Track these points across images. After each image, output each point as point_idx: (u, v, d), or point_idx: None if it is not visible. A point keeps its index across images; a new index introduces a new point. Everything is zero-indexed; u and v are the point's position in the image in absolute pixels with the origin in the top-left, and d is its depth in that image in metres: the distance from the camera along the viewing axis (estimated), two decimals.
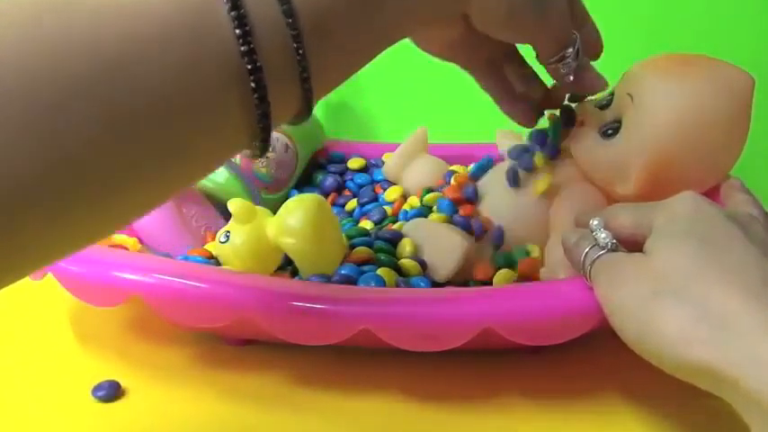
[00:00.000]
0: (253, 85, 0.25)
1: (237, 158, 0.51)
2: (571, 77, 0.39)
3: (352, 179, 0.56)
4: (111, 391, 0.36)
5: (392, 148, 0.54)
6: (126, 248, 0.44)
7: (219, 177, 0.50)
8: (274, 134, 0.52)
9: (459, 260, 0.40)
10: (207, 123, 0.25)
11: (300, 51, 0.27)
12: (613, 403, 0.36)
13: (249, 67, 0.25)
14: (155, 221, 0.45)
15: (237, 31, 0.25)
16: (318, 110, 0.59)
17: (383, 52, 0.32)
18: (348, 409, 0.36)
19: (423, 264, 0.40)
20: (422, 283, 0.38)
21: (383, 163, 0.55)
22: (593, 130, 0.42)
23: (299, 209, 0.39)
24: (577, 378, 0.38)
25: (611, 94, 0.42)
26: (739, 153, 0.39)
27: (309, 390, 0.37)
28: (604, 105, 0.42)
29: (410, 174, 0.52)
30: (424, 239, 0.41)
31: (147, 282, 0.35)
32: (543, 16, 0.36)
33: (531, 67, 0.44)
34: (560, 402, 0.36)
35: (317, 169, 0.57)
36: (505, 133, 0.53)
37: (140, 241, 0.45)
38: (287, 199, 0.53)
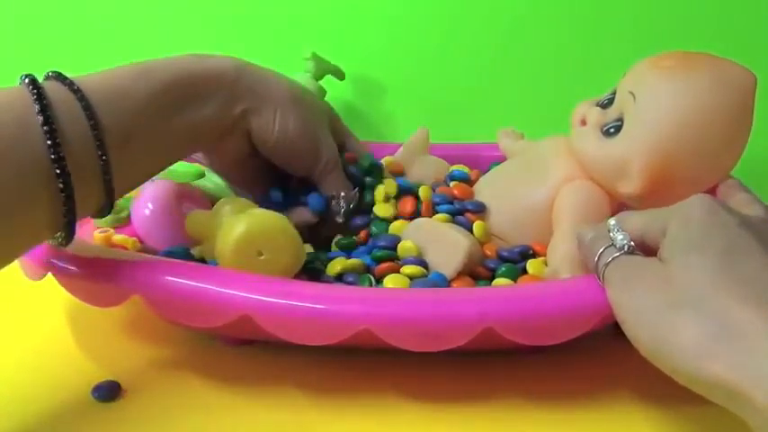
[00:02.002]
0: (61, 186, 0.30)
1: None
2: (341, 220, 0.44)
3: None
4: (110, 391, 0.36)
5: (394, 148, 0.54)
6: (126, 248, 0.44)
7: (219, 178, 0.50)
8: None
9: (462, 260, 0.39)
10: (21, 218, 0.30)
11: (104, 158, 0.32)
12: (613, 403, 0.36)
13: (58, 171, 0.30)
14: (154, 221, 0.45)
15: (49, 142, 0.30)
16: None
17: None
18: (348, 409, 0.36)
19: (425, 265, 0.40)
20: (438, 279, 0.38)
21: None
22: (595, 128, 0.41)
23: (228, 234, 0.37)
24: (577, 378, 0.38)
25: (613, 92, 0.42)
26: (742, 151, 0.39)
27: (309, 390, 0.37)
28: (606, 104, 0.42)
29: (411, 174, 0.52)
30: (427, 240, 0.41)
31: (147, 282, 0.35)
32: (312, 149, 0.43)
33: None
34: (560, 402, 0.36)
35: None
36: (507, 133, 0.53)
37: (140, 241, 0.45)
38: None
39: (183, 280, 0.34)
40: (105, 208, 0.35)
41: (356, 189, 0.45)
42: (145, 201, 0.45)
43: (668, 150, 0.38)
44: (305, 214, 0.44)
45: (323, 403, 0.36)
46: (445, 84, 0.65)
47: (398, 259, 0.41)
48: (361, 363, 0.38)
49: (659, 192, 0.40)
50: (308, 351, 0.35)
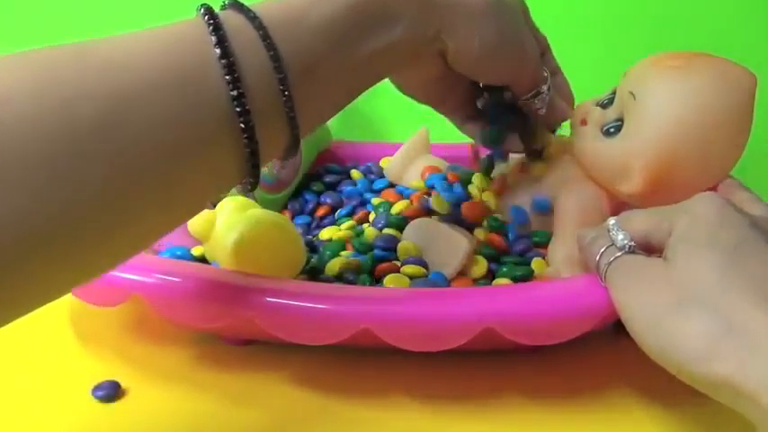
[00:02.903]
0: (242, 125, 0.27)
1: None
2: (543, 110, 0.42)
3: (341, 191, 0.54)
4: (111, 391, 0.36)
5: (394, 148, 0.54)
6: None
7: None
8: None
9: (462, 260, 0.39)
10: (202, 162, 0.27)
11: (286, 93, 0.29)
12: (613, 403, 0.36)
13: (238, 110, 0.27)
14: None
15: (227, 77, 0.27)
16: None
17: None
18: (348, 409, 0.36)
19: (424, 265, 0.40)
20: (439, 278, 0.38)
21: (381, 168, 0.55)
22: (596, 128, 0.41)
23: (225, 240, 0.37)
24: (577, 378, 0.38)
25: (614, 92, 0.42)
26: (742, 151, 0.39)
27: (310, 390, 0.37)
28: (606, 104, 0.42)
29: (412, 174, 0.52)
30: (426, 240, 0.41)
31: (147, 282, 0.35)
32: (518, 58, 0.39)
33: (509, 105, 0.44)
34: (560, 402, 0.36)
35: (315, 181, 0.56)
36: None
37: None
38: (287, 199, 0.53)
39: (183, 280, 0.34)
40: (292, 148, 0.31)
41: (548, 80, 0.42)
42: None
43: (668, 150, 0.38)
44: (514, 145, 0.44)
45: (323, 403, 0.36)
46: None
47: (398, 259, 0.41)
48: (362, 363, 0.38)
49: (659, 191, 0.40)
50: (309, 351, 0.35)
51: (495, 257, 0.41)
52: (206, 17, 0.28)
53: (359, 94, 0.35)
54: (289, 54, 0.29)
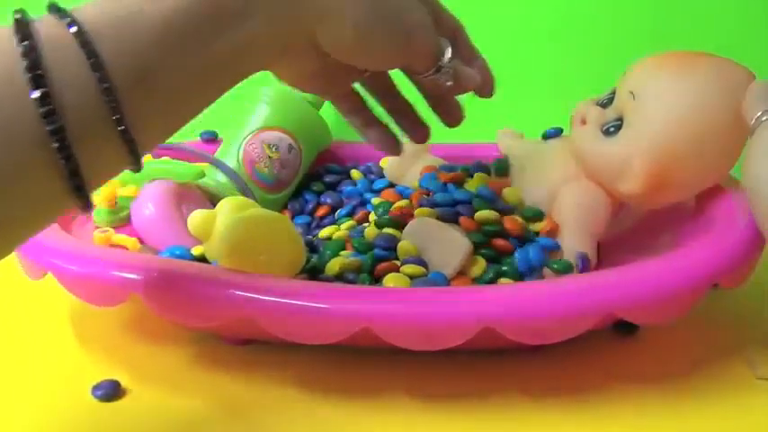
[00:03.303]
0: (56, 145, 0.24)
1: (235, 160, 0.51)
2: (450, 82, 0.37)
3: (341, 190, 0.54)
4: (110, 391, 0.36)
5: None
6: (126, 248, 0.44)
7: (221, 176, 0.50)
8: (278, 134, 0.52)
9: (462, 259, 0.39)
10: (20, 190, 0.25)
11: (113, 105, 0.25)
12: (613, 402, 0.36)
13: (49, 129, 0.24)
14: (154, 221, 0.45)
15: (36, 92, 0.24)
16: (324, 111, 0.59)
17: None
18: (348, 409, 0.36)
19: (424, 265, 0.40)
20: (439, 278, 0.38)
21: (380, 168, 0.55)
22: (595, 127, 0.41)
23: (226, 239, 0.37)
24: (577, 377, 0.38)
25: (613, 92, 0.42)
26: (741, 149, 0.39)
27: (309, 390, 0.37)
28: (606, 103, 0.42)
29: (412, 174, 0.52)
30: (426, 240, 0.41)
31: (148, 281, 0.35)
32: (401, 37, 0.34)
33: (400, 95, 0.41)
34: (560, 402, 0.36)
35: (315, 181, 0.56)
36: (506, 133, 0.53)
37: (140, 241, 0.45)
38: (287, 199, 0.53)
39: (183, 280, 0.34)
40: (134, 164, 0.28)
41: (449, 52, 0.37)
42: (145, 201, 0.45)
43: (668, 149, 0.38)
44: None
45: (323, 403, 0.36)
46: None
47: (398, 259, 0.41)
48: (362, 362, 0.38)
49: (659, 191, 0.40)
50: (309, 351, 0.35)
51: (496, 258, 0.41)
52: (16, 27, 0.25)
53: (220, 96, 0.31)
54: (115, 61, 0.26)
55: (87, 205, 0.26)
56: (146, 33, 0.26)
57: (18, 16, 0.25)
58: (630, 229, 0.47)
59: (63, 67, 0.25)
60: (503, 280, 0.40)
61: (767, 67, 0.41)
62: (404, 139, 0.53)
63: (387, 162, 0.54)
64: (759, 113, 0.34)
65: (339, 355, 0.38)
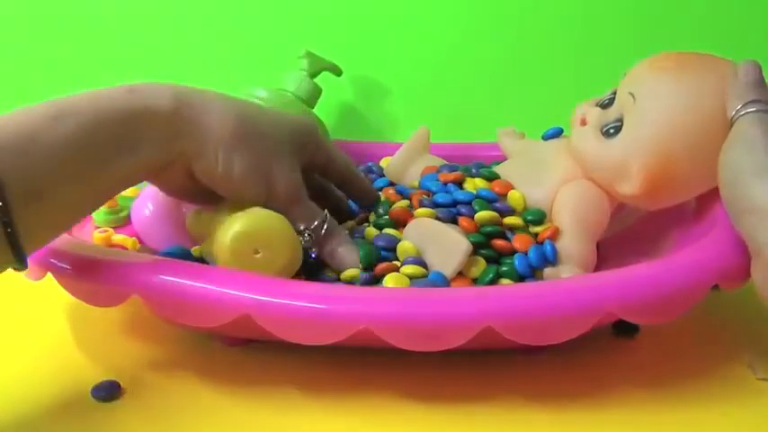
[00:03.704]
0: None
1: None
2: (314, 253, 0.40)
3: None
4: (110, 391, 0.36)
5: (394, 148, 0.54)
6: (126, 248, 0.44)
7: None
8: None
9: (462, 260, 0.39)
10: None
11: (6, 220, 0.27)
12: (613, 402, 0.36)
13: None
14: (154, 221, 0.45)
15: None
16: (321, 111, 0.59)
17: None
18: (348, 409, 0.36)
19: (424, 265, 0.40)
20: (438, 278, 0.38)
21: (380, 168, 0.55)
22: (595, 128, 0.41)
23: (224, 233, 0.37)
24: (577, 378, 0.38)
25: (614, 92, 0.42)
26: None
27: (309, 390, 0.37)
28: (606, 104, 0.42)
29: (412, 174, 0.52)
30: (426, 240, 0.41)
31: (147, 282, 0.35)
32: (262, 192, 0.38)
33: (336, 173, 0.45)
34: (560, 402, 0.36)
35: None
36: (507, 132, 0.53)
37: (140, 241, 0.45)
38: None
39: (183, 280, 0.34)
40: (18, 268, 0.31)
41: (325, 212, 0.40)
42: (145, 201, 0.45)
43: (667, 151, 0.38)
44: None
45: (323, 403, 0.36)
46: (446, 84, 0.65)
47: (398, 259, 0.41)
48: (362, 363, 0.38)
49: (658, 192, 0.40)
50: (308, 351, 0.35)
51: (496, 259, 0.41)
52: None
53: (98, 207, 0.35)
54: (13, 179, 0.27)
55: None
56: (45, 157, 0.29)
57: None
58: (631, 230, 0.47)
59: None
60: (503, 280, 0.40)
61: (767, 67, 0.41)
62: (405, 139, 0.54)
63: (387, 162, 0.54)
64: (737, 108, 0.35)
65: (339, 356, 0.38)
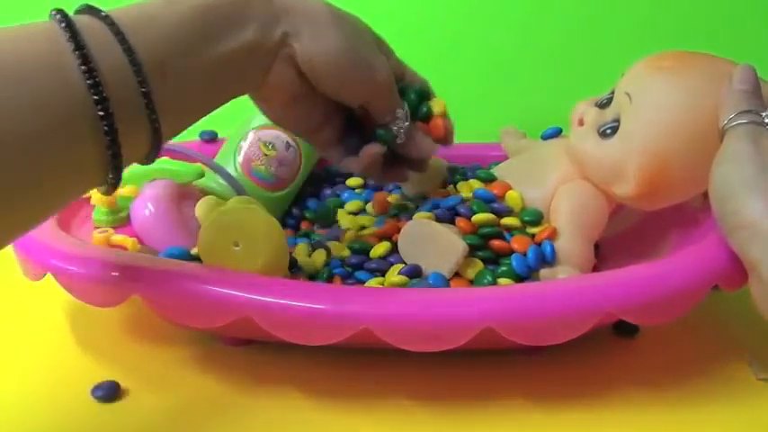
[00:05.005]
0: (101, 113, 0.28)
1: (233, 161, 0.51)
2: (401, 139, 0.41)
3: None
4: (110, 392, 0.36)
5: None
6: (125, 248, 0.44)
7: (220, 179, 0.50)
8: (274, 132, 0.52)
9: (458, 261, 0.39)
10: (61, 156, 0.28)
11: (144, 86, 0.30)
12: (613, 403, 0.36)
13: (96, 98, 0.28)
14: (154, 221, 0.45)
15: (83, 66, 0.28)
16: None
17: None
18: (348, 409, 0.36)
19: (417, 269, 0.40)
20: (438, 280, 0.38)
21: None
22: (592, 129, 0.41)
23: (204, 223, 0.38)
24: (577, 378, 0.38)
25: (612, 92, 0.42)
26: None
27: (309, 390, 0.37)
28: (605, 104, 0.42)
29: (411, 173, 0.52)
30: (422, 241, 0.41)
31: (147, 282, 0.35)
32: (365, 74, 0.39)
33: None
34: (560, 402, 0.36)
35: (321, 182, 0.57)
36: (509, 132, 0.53)
37: (140, 241, 0.45)
38: (290, 198, 0.53)
39: (183, 280, 0.34)
40: (153, 151, 0.32)
41: (405, 107, 0.42)
42: (145, 201, 0.45)
43: (664, 152, 0.38)
44: (374, 147, 0.42)
45: (323, 403, 0.36)
46: (445, 84, 0.65)
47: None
48: (362, 363, 0.38)
49: (656, 193, 0.40)
50: (308, 351, 0.35)
51: (493, 260, 0.41)
52: (57, 16, 0.29)
53: (219, 105, 0.36)
54: (141, 50, 0.30)
55: (118, 179, 0.30)
56: (162, 32, 0.31)
57: (57, 10, 0.29)
58: (631, 231, 0.47)
59: (102, 50, 0.29)
60: (502, 281, 0.40)
61: (767, 67, 0.41)
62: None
63: None
64: (729, 118, 0.35)
65: (339, 356, 0.38)
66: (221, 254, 0.37)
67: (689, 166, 0.38)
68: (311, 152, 0.55)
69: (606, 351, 0.40)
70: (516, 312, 0.33)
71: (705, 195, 0.40)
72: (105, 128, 0.28)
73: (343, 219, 0.49)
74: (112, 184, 0.31)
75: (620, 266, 0.37)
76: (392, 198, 0.51)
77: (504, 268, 0.40)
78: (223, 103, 0.36)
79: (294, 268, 0.42)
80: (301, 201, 0.54)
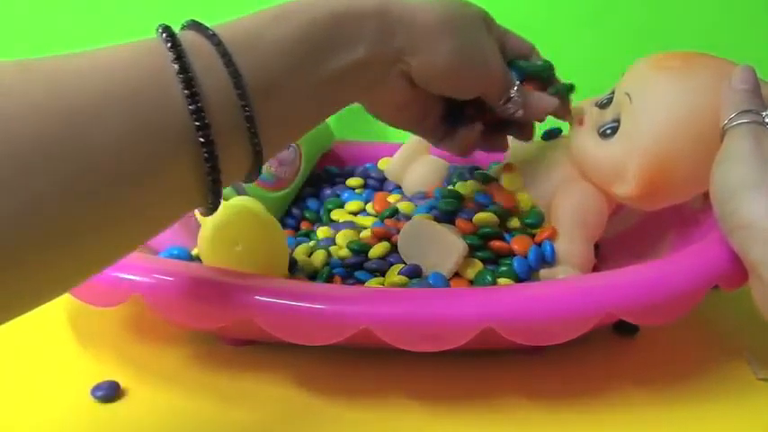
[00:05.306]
0: (202, 140, 0.27)
1: None
2: (520, 112, 0.40)
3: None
4: (110, 392, 0.36)
5: (394, 147, 0.54)
6: None
7: None
8: None
9: (457, 261, 0.39)
10: (160, 181, 0.27)
11: (247, 109, 0.29)
12: (613, 403, 0.36)
13: (198, 124, 0.27)
14: None
15: (186, 91, 0.27)
16: None
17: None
18: (348, 410, 0.36)
19: (417, 269, 0.40)
20: (438, 280, 0.38)
21: (380, 171, 0.55)
22: (592, 129, 0.41)
23: (205, 223, 0.38)
24: (577, 378, 0.38)
25: (612, 92, 0.42)
26: None
27: (309, 390, 0.37)
28: (605, 104, 0.42)
29: (411, 173, 0.52)
30: (421, 241, 0.41)
31: (147, 282, 0.35)
32: (482, 71, 0.38)
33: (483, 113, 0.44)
34: (560, 402, 0.36)
35: (321, 182, 0.57)
36: None
37: None
38: (290, 198, 0.53)
39: (183, 280, 0.34)
40: (254, 172, 0.31)
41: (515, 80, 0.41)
42: None
43: (664, 152, 0.38)
44: (470, 133, 0.42)
45: (323, 403, 0.36)
46: None
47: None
48: (362, 363, 0.38)
49: (656, 193, 0.40)
50: (309, 351, 0.35)
51: (493, 260, 0.41)
52: (164, 35, 0.28)
53: (325, 118, 0.35)
54: (247, 71, 0.29)
55: (217, 203, 0.29)
56: (270, 51, 0.30)
57: (164, 27, 0.28)
58: (631, 231, 0.47)
59: (206, 73, 0.28)
60: (502, 281, 0.40)
61: (767, 67, 0.41)
62: (405, 139, 0.54)
63: (386, 162, 0.54)
64: (729, 118, 0.35)
65: (339, 356, 0.38)
66: (221, 254, 0.37)
67: (689, 166, 0.38)
68: (311, 152, 0.55)
69: (606, 351, 0.40)
70: (516, 312, 0.33)
71: (705, 196, 0.40)
72: (206, 155, 0.27)
73: (343, 219, 0.49)
74: (211, 208, 0.30)
75: (620, 266, 0.37)
76: (392, 198, 0.51)
77: (504, 268, 0.40)
78: (327, 118, 0.36)
79: (294, 268, 0.42)
80: (301, 201, 0.54)
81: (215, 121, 0.27)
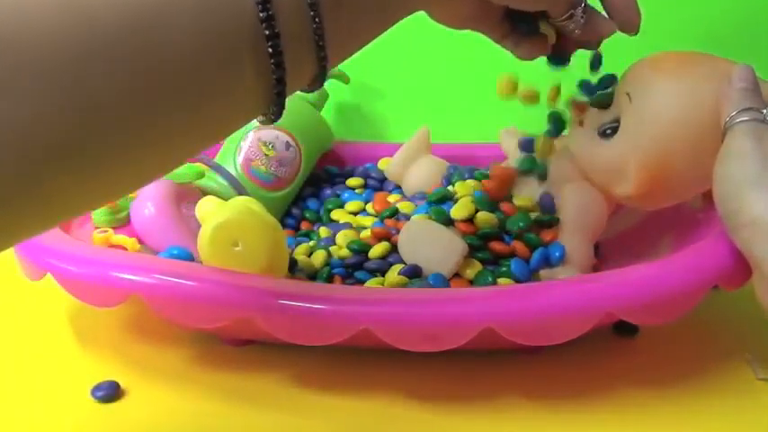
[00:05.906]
0: (270, 50, 0.26)
1: (233, 161, 0.51)
2: (578, 32, 0.39)
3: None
4: (110, 392, 0.36)
5: (394, 148, 0.54)
6: (125, 248, 0.44)
7: (221, 177, 0.50)
8: (274, 132, 0.52)
9: (457, 261, 0.39)
10: (228, 81, 0.26)
11: (317, 19, 0.28)
12: (613, 402, 0.36)
13: (267, 32, 0.26)
14: (154, 221, 0.45)
15: None
16: (326, 111, 0.59)
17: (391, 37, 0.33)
18: (348, 410, 0.36)
19: (417, 269, 0.40)
20: (438, 280, 0.38)
21: (380, 171, 0.55)
22: (592, 129, 0.41)
23: (205, 223, 0.37)
24: (577, 378, 0.38)
25: (611, 93, 0.42)
26: None
27: (309, 390, 0.37)
28: (604, 105, 0.42)
29: (412, 174, 0.52)
30: (421, 241, 0.41)
31: (147, 282, 0.35)
32: None
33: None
34: (560, 402, 0.36)
35: (321, 182, 0.57)
36: (509, 133, 0.53)
37: (140, 241, 0.45)
38: (290, 198, 0.53)
39: (183, 280, 0.34)
40: (318, 80, 0.31)
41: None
42: (145, 201, 0.45)
43: (663, 152, 0.38)
44: (540, 46, 0.41)
45: (323, 403, 0.36)
46: (446, 84, 0.65)
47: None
48: (362, 363, 0.38)
49: (655, 193, 0.39)
50: (309, 351, 0.35)
51: (493, 260, 0.41)
52: None
53: (387, 28, 0.34)
54: None
55: (279, 113, 0.29)
56: None
57: None
58: (631, 230, 0.47)
59: None
60: (502, 281, 0.40)
61: (767, 67, 0.41)
62: (405, 139, 0.54)
63: (386, 162, 0.54)
64: (730, 116, 0.35)
65: (339, 356, 0.38)
66: (221, 254, 0.37)
67: (689, 165, 0.38)
68: (311, 152, 0.55)
69: (606, 351, 0.40)
70: (516, 312, 0.33)
71: (705, 196, 0.40)
72: (273, 66, 0.27)
73: (343, 219, 0.49)
74: (273, 117, 0.29)
75: (620, 266, 0.37)
76: (392, 198, 0.51)
77: (504, 269, 0.40)
78: (388, 29, 0.34)
79: (294, 268, 0.42)
80: (301, 201, 0.54)
81: (284, 29, 0.27)
